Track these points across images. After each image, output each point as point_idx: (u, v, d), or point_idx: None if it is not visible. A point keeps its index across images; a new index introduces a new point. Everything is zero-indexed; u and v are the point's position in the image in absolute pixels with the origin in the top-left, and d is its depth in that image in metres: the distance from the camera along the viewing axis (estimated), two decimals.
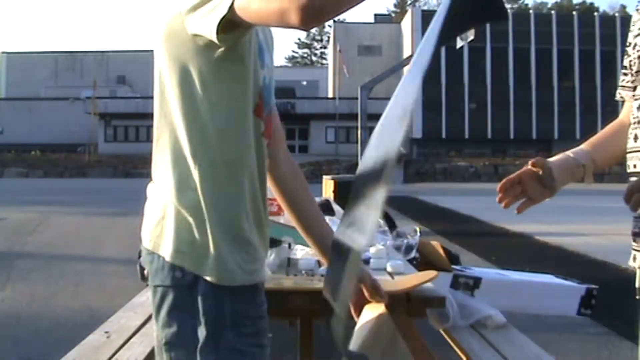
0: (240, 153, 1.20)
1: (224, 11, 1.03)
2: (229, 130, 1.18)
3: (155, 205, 1.22)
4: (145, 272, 1.21)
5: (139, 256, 1.30)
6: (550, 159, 1.46)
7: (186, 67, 1.15)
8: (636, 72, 1.39)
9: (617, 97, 1.50)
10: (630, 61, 1.43)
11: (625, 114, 1.48)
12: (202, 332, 1.15)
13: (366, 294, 1.48)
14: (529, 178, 1.44)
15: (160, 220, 1.19)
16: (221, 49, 1.11)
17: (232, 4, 1.02)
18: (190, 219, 1.16)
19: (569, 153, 1.47)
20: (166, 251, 1.17)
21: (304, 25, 0.96)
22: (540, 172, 1.43)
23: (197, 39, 1.11)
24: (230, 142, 1.18)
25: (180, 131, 1.17)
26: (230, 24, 1.05)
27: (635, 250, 1.35)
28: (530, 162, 1.43)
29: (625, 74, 1.47)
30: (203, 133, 1.16)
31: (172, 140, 1.18)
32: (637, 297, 1.38)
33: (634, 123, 1.34)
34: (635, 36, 1.41)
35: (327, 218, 3.01)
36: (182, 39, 1.13)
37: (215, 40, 1.07)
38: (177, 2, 1.13)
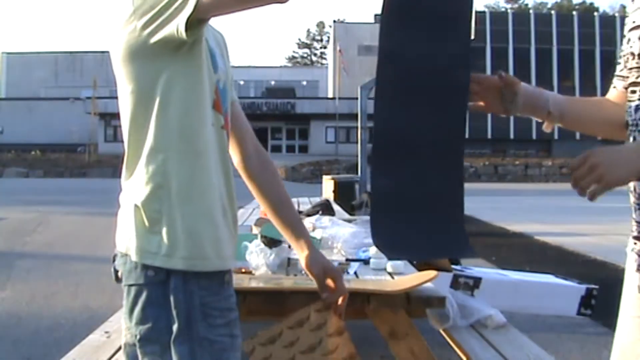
0: (205, 144, 1.26)
1: (189, 10, 1.11)
2: (192, 124, 1.24)
3: (124, 210, 1.28)
4: (119, 273, 1.27)
5: (114, 260, 1.33)
6: (525, 85, 1.44)
7: (148, 73, 1.23)
8: (629, 69, 1.37)
9: (612, 88, 1.48)
10: (625, 56, 1.41)
11: (612, 96, 1.46)
12: (174, 324, 1.21)
13: (317, 283, 1.51)
14: (492, 88, 1.44)
15: (129, 224, 1.24)
16: (181, 50, 1.20)
17: (197, 2, 1.11)
18: (158, 216, 1.22)
19: (547, 94, 1.45)
20: (137, 253, 1.22)
21: None
22: (504, 92, 1.42)
23: (155, 46, 1.19)
24: (194, 135, 1.25)
25: (144, 134, 1.23)
26: (194, 21, 1.13)
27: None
28: (500, 76, 1.41)
29: (620, 66, 1.46)
30: (168, 131, 1.23)
31: (140, 140, 1.24)
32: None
33: (632, 125, 1.33)
34: (630, 29, 1.38)
35: (327, 218, 3.02)
36: (142, 52, 1.21)
37: (184, 37, 1.14)
38: (125, 18, 1.22)
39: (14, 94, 49.38)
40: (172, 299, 1.21)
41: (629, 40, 1.36)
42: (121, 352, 1.46)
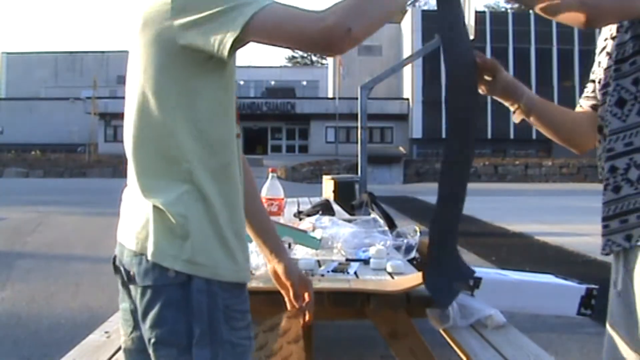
0: (231, 155, 1.25)
1: (237, 32, 1.10)
2: (222, 135, 1.23)
3: (137, 207, 1.23)
4: (131, 273, 1.21)
5: (114, 260, 1.30)
6: (505, 74, 1.53)
7: (179, 76, 1.18)
8: (600, 92, 1.41)
9: (577, 106, 1.54)
10: (595, 80, 1.46)
11: (581, 111, 1.54)
12: (196, 327, 1.18)
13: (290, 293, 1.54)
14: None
15: (145, 223, 1.20)
16: (211, 60, 1.16)
17: (247, 24, 1.09)
18: (184, 220, 1.18)
19: (523, 89, 1.55)
20: (157, 254, 1.18)
21: (337, 50, 1.12)
22: (483, 73, 1.51)
23: (187, 50, 1.15)
24: (226, 146, 1.24)
25: (175, 138, 1.19)
26: (238, 42, 1.12)
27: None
28: (484, 62, 1.50)
29: (589, 88, 1.53)
30: (201, 139, 1.20)
31: (164, 146, 1.20)
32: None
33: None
34: (600, 52, 1.42)
35: (327, 218, 3.02)
36: (173, 48, 1.16)
37: (224, 56, 1.13)
38: (162, 10, 1.16)
39: (14, 94, 49.37)
40: (194, 301, 1.17)
41: (599, 63, 1.41)
42: (121, 352, 1.46)
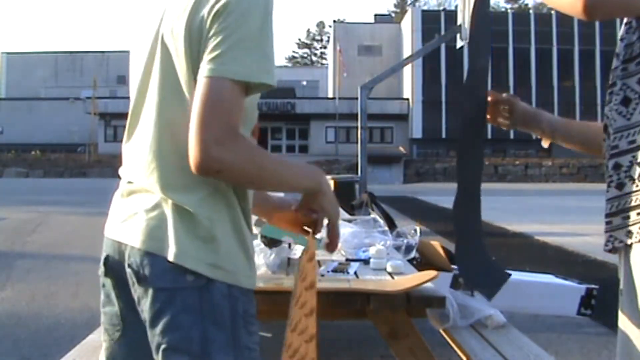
0: None
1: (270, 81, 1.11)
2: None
3: (152, 206, 1.16)
4: (143, 273, 1.14)
5: (105, 261, 1.23)
6: (523, 106, 1.67)
7: None
8: (607, 91, 1.42)
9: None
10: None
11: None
12: (218, 333, 1.13)
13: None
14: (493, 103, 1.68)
15: (162, 222, 1.14)
16: None
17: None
18: (208, 223, 1.14)
19: (543, 115, 1.66)
20: (178, 255, 1.12)
21: (199, 169, 1.09)
22: (499, 108, 1.66)
23: None
24: None
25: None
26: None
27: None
28: (497, 99, 1.65)
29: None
30: None
31: (178, 147, 1.14)
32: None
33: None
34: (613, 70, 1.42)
35: None
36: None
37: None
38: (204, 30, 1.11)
39: (14, 94, 49.39)
40: (217, 306, 1.13)
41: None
42: None
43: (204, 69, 1.08)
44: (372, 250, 2.39)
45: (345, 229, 2.71)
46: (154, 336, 1.13)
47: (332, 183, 10.00)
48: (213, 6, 1.09)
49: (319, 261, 2.37)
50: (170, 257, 1.11)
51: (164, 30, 1.17)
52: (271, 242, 2.31)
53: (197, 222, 1.13)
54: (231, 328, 1.14)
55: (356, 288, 2.01)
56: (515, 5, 63.92)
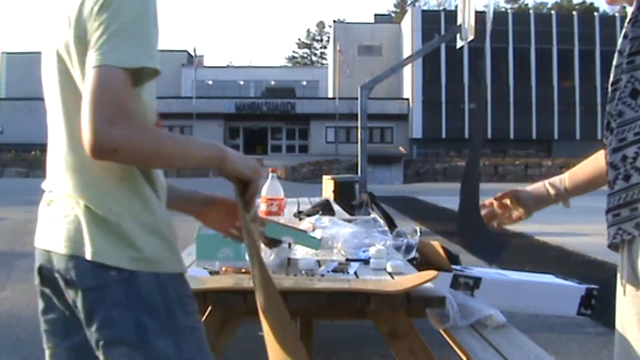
0: None
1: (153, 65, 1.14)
2: None
3: (62, 209, 1.21)
4: (69, 277, 1.18)
5: (40, 270, 1.26)
6: (526, 191, 1.70)
7: None
8: (610, 88, 1.39)
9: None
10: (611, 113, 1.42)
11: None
12: (150, 320, 1.17)
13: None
14: (500, 206, 1.73)
15: (74, 224, 1.19)
16: None
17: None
18: (115, 218, 1.18)
19: (547, 186, 1.68)
20: (96, 253, 1.16)
21: (91, 150, 1.10)
22: (509, 204, 1.71)
23: None
24: None
25: None
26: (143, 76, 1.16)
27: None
28: (500, 196, 1.72)
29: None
30: None
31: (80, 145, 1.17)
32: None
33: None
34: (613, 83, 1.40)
35: (327, 218, 3.02)
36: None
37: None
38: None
39: (14, 94, 49.36)
40: (146, 295, 1.17)
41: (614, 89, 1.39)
42: None
43: (89, 62, 1.12)
44: (372, 250, 2.39)
45: (345, 229, 2.71)
46: (92, 334, 1.18)
47: (332, 183, 10.00)
48: (92, 7, 1.14)
49: (318, 261, 2.37)
50: (89, 257, 1.16)
51: (57, 46, 1.21)
52: (271, 242, 2.31)
53: (106, 220, 1.17)
54: (166, 313, 1.18)
55: (356, 288, 2.01)
56: (515, 5, 63.93)
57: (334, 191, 9.34)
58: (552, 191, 1.67)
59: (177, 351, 1.19)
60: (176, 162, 1.27)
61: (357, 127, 11.62)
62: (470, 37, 10.73)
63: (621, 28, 1.40)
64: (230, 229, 1.56)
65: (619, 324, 1.36)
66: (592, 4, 64.52)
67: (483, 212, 1.73)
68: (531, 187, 1.71)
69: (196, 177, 23.96)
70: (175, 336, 1.19)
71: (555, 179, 1.69)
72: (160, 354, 1.17)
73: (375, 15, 53.49)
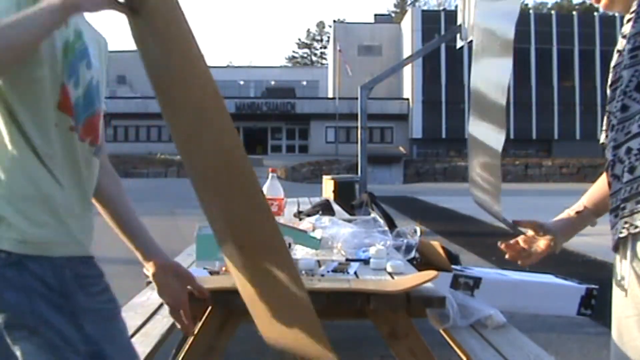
0: (44, 144, 1.18)
1: None
2: (30, 122, 1.17)
3: None
4: None
5: None
6: (552, 222, 1.67)
7: None
8: (610, 88, 1.39)
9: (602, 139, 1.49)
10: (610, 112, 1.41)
11: None
12: (45, 303, 1.15)
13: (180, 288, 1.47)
14: (531, 240, 1.69)
15: None
16: None
17: None
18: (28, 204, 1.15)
19: (570, 212, 1.66)
20: None
21: None
22: (534, 234, 1.67)
23: None
24: (38, 132, 1.18)
25: None
26: None
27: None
28: (531, 232, 1.67)
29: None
30: (14, 125, 1.16)
31: None
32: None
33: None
34: (611, 84, 1.40)
35: (327, 218, 3.02)
36: None
37: None
38: None
39: None
40: (38, 276, 1.14)
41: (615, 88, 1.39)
42: None
43: None
44: (372, 250, 2.39)
45: (345, 229, 2.71)
46: None
47: (332, 183, 10.00)
48: None
49: (318, 261, 2.37)
50: None
51: None
52: None
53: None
54: (60, 294, 1.16)
55: (356, 288, 2.01)
56: None
57: (334, 191, 9.34)
58: (572, 212, 1.65)
59: (79, 333, 1.16)
60: (22, 37, 1.07)
61: (357, 127, 11.62)
62: (470, 37, 10.72)
63: (621, 28, 1.40)
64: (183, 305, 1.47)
65: (615, 325, 1.36)
66: (592, 4, 64.56)
67: (507, 254, 1.71)
68: (558, 219, 1.69)
69: None
70: (74, 317, 1.16)
71: (579, 207, 1.67)
72: (60, 337, 1.15)
73: (375, 15, 53.51)
